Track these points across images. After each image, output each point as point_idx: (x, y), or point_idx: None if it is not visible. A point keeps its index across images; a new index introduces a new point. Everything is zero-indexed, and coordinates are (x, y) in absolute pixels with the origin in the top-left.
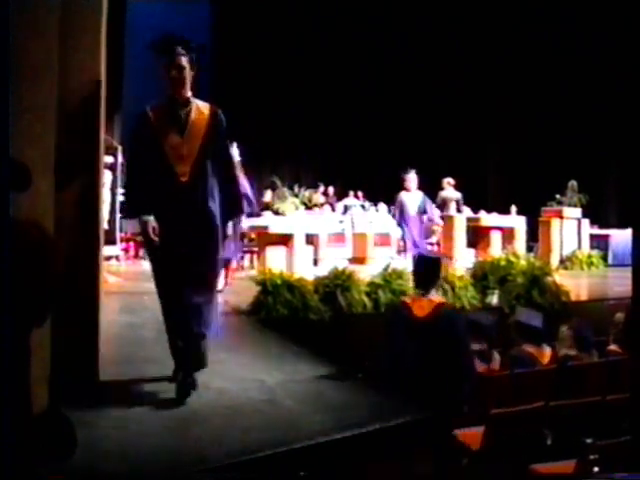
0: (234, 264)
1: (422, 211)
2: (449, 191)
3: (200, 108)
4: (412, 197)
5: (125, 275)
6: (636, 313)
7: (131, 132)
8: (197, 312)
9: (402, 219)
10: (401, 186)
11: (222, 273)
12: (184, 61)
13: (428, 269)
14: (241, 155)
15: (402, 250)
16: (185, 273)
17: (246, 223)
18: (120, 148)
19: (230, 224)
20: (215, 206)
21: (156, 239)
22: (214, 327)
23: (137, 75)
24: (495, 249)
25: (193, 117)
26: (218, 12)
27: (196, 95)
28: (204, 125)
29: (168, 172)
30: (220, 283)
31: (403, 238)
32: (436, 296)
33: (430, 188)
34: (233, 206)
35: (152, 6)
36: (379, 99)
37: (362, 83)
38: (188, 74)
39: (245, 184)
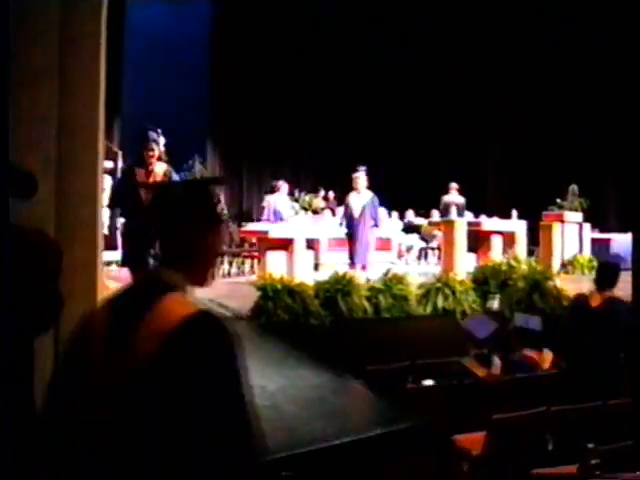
0: None
1: (371, 214)
2: (453, 195)
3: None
4: (359, 198)
5: (125, 280)
6: (636, 314)
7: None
8: None
9: (346, 221)
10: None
11: None
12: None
13: (610, 273)
14: (243, 160)
15: (401, 255)
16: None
17: (247, 227)
18: (120, 153)
19: None
20: None
21: None
22: None
23: (136, 81)
24: (496, 253)
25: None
26: (218, 12)
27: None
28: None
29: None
30: None
31: (350, 240)
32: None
33: (431, 192)
34: None
35: (151, 7)
36: (379, 105)
37: (362, 88)
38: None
39: None
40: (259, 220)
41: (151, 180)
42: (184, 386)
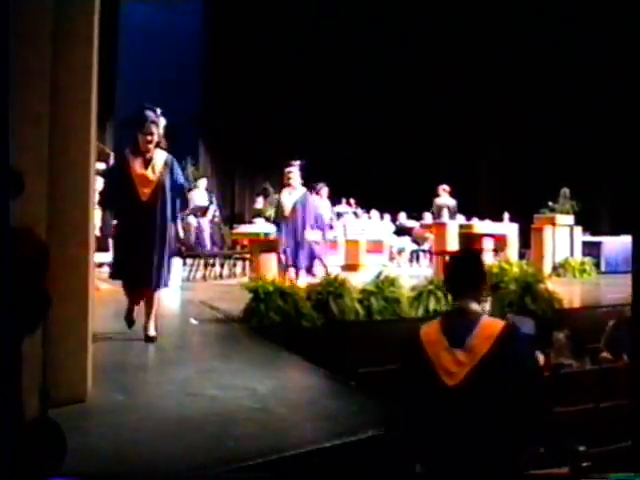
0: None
1: (308, 212)
2: (444, 198)
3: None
4: (290, 195)
5: (117, 282)
6: (636, 315)
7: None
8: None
9: (278, 219)
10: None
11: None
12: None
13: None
14: (236, 162)
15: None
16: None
17: (238, 230)
18: (112, 155)
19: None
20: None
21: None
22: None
23: (129, 83)
24: (487, 256)
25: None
26: (212, 12)
27: (192, 99)
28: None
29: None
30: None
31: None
32: None
33: (423, 195)
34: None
35: (144, 7)
36: (371, 109)
37: (355, 91)
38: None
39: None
40: (251, 222)
41: (149, 172)
42: (513, 367)
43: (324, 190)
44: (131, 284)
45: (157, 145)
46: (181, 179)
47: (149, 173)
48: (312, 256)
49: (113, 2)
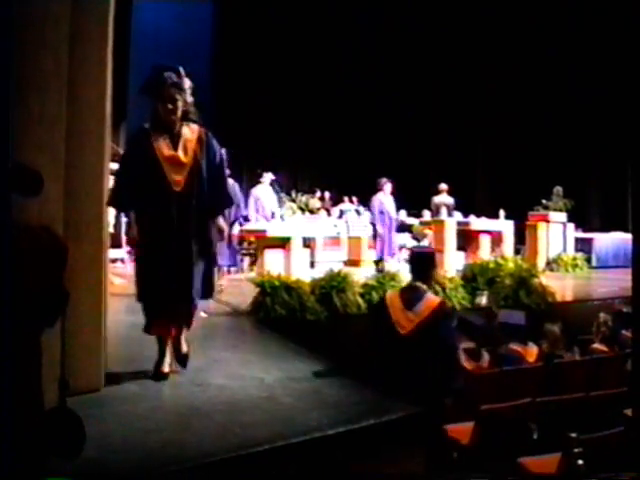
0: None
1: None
2: (442, 196)
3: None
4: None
5: (130, 277)
6: (636, 313)
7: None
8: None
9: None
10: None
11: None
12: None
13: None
14: (240, 163)
15: None
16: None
17: (245, 227)
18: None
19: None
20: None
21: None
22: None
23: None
24: (484, 252)
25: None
26: (220, 14)
27: (201, 99)
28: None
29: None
30: (215, 287)
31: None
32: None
33: (423, 193)
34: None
35: (153, 6)
36: (372, 108)
37: (356, 92)
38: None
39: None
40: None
41: (180, 152)
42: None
43: (387, 186)
44: (165, 315)
45: (185, 116)
46: (220, 160)
47: (180, 154)
48: None
49: (125, 5)
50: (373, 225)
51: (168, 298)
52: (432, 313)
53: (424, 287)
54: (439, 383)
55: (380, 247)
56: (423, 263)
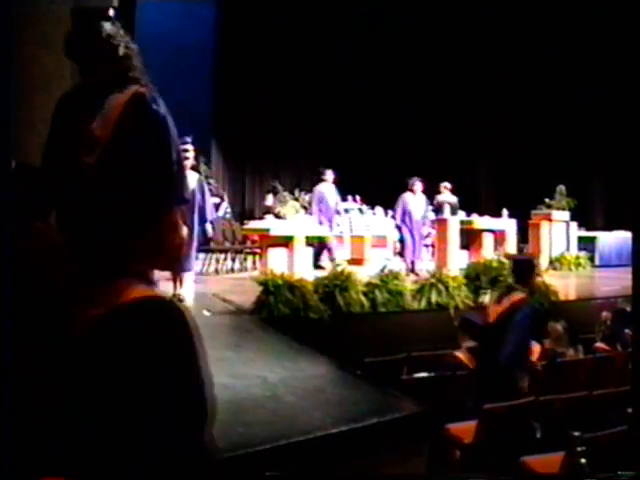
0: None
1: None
2: (446, 195)
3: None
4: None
5: None
6: (637, 312)
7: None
8: None
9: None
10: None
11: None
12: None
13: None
14: (246, 161)
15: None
16: None
17: (249, 225)
18: None
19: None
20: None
21: None
22: None
23: None
24: (487, 251)
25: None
26: (222, 14)
27: (204, 99)
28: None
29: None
30: None
31: None
32: None
33: (427, 192)
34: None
35: (155, 6)
36: (376, 107)
37: (360, 90)
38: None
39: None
40: (261, 219)
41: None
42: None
43: (417, 185)
44: None
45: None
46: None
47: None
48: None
49: (129, 5)
50: (398, 228)
51: None
52: (511, 305)
53: (519, 288)
54: (514, 359)
55: (408, 253)
56: (523, 269)
